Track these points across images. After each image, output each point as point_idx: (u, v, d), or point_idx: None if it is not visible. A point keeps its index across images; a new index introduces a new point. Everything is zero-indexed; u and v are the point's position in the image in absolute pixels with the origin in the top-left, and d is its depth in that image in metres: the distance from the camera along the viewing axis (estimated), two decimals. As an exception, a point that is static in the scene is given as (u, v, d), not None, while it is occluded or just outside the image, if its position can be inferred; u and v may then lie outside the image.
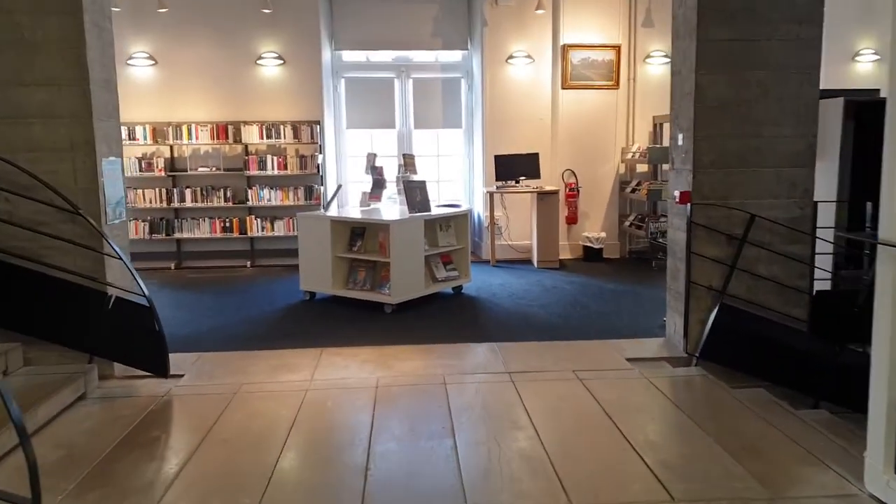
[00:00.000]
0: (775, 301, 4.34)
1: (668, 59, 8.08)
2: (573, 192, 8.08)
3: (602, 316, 5.57)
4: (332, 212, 6.38)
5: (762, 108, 4.23)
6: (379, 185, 6.40)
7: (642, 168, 8.32)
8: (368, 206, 6.44)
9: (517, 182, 7.85)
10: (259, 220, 8.11)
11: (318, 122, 8.06)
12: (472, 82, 8.60)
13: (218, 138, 7.93)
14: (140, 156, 7.98)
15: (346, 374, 4.21)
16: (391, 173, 6.98)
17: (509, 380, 4.05)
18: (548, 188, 7.67)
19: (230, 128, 7.94)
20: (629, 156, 8.09)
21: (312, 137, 7.98)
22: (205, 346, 4.89)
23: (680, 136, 4.51)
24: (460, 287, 6.47)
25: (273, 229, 8.10)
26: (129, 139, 7.81)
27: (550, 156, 8.18)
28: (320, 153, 8.13)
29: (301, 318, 5.69)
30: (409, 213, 5.95)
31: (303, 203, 8.07)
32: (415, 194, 6.00)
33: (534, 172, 7.83)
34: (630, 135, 8.25)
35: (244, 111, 8.11)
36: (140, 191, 7.93)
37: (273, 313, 5.84)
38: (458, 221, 6.45)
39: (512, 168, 7.84)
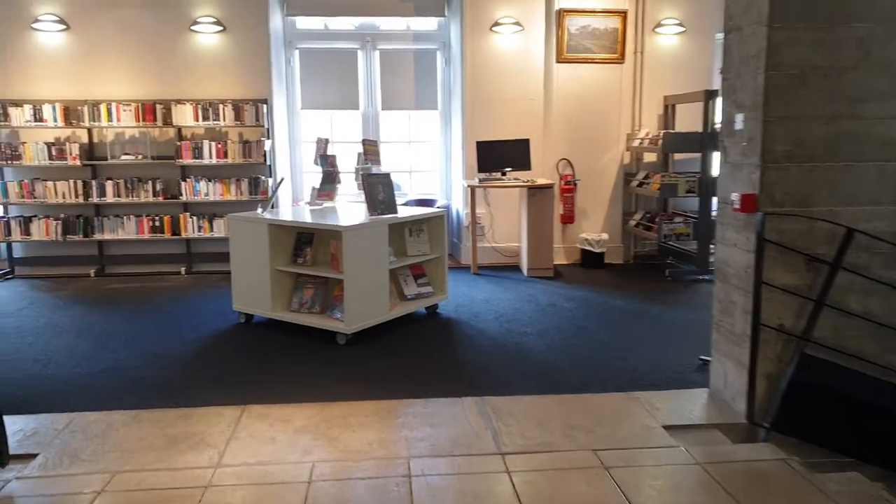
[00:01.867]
0: (870, 346, 3.14)
1: (683, 28, 6.83)
2: (569, 186, 6.83)
3: (616, 350, 4.34)
4: (273, 213, 5.06)
5: (862, 76, 3.00)
6: (330, 178, 5.08)
7: (650, 157, 7.10)
8: (320, 205, 5.13)
9: (503, 174, 6.58)
10: (195, 218, 6.75)
11: (265, 102, 6.70)
12: (449, 55, 7.29)
13: (144, 120, 6.54)
14: (51, 141, 6.57)
15: (270, 455, 2.94)
16: (351, 164, 5.66)
17: (503, 467, 2.81)
18: (540, 181, 6.41)
19: (159, 108, 6.55)
20: (636, 143, 6.85)
21: (258, 119, 6.63)
22: (90, 399, 3.60)
23: (739, 118, 3.27)
24: (435, 306, 5.20)
25: (212, 229, 6.76)
26: (36, 121, 6.40)
27: (542, 143, 6.92)
28: (268, 138, 6.78)
29: (228, 352, 4.39)
30: (370, 214, 4.66)
31: (247, 198, 6.73)
32: (376, 191, 4.70)
33: (523, 163, 6.57)
34: (637, 118, 7.01)
35: (176, 88, 6.72)
36: (50, 183, 6.53)
37: (195, 344, 4.53)
38: (432, 224, 5.17)
39: (497, 157, 6.56)
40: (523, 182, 6.38)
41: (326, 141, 5.18)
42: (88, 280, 6.57)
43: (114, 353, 4.37)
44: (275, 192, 4.94)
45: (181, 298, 5.80)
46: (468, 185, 6.46)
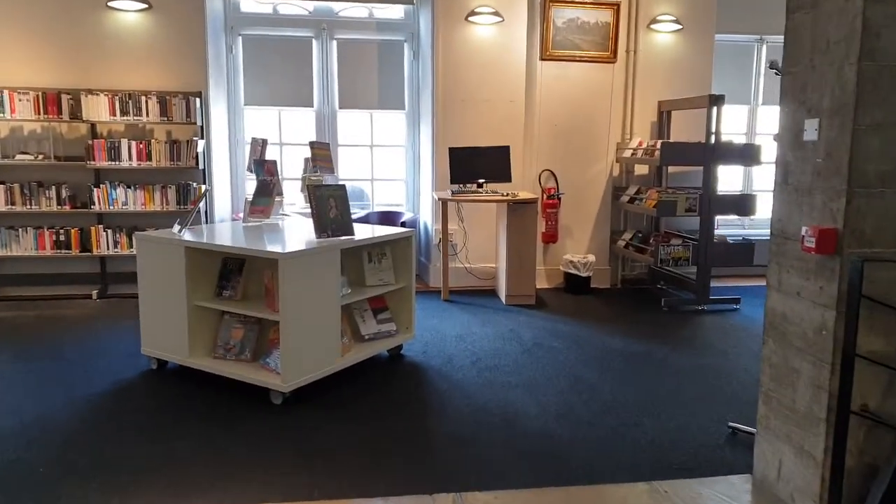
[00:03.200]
0: None
1: (680, 26, 6.05)
2: (553, 201, 5.97)
3: (625, 412, 3.46)
4: (193, 232, 4.04)
5: None
6: (266, 189, 4.08)
7: (641, 170, 6.29)
8: (258, 223, 4.14)
9: (480, 186, 5.68)
10: (110, 231, 5.66)
11: (198, 95, 5.66)
12: (418, 48, 6.37)
13: (46, 113, 5.42)
14: (-72, 135, 5.41)
15: None
16: (296, 171, 4.68)
17: None
18: (522, 195, 5.53)
19: (65, 98, 5.44)
20: (626, 153, 6.04)
21: (190, 116, 5.58)
22: None
23: (811, 126, 2.42)
24: (399, 347, 4.25)
25: (131, 245, 5.67)
26: None
27: (523, 151, 6.05)
28: (201, 138, 5.74)
29: (125, 417, 3.35)
30: (318, 236, 3.69)
31: (174, 209, 5.67)
32: (326, 207, 3.73)
33: (502, 173, 5.68)
34: (628, 125, 6.20)
35: (87, 76, 5.62)
36: (-74, 186, 5.36)
37: (84, 404, 3.48)
38: (398, 247, 4.23)
39: (473, 166, 5.66)
40: (503, 195, 5.48)
41: (263, 143, 4.19)
42: (-25, 305, 5.41)
43: (-28, 416, 3.30)
44: (196, 206, 3.92)
45: (85, 333, 4.71)
46: (439, 198, 5.53)
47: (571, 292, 5.95)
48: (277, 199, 4.00)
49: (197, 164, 5.62)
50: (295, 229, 4.09)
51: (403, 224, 5.97)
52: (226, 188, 6.25)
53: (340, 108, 6.44)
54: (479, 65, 5.91)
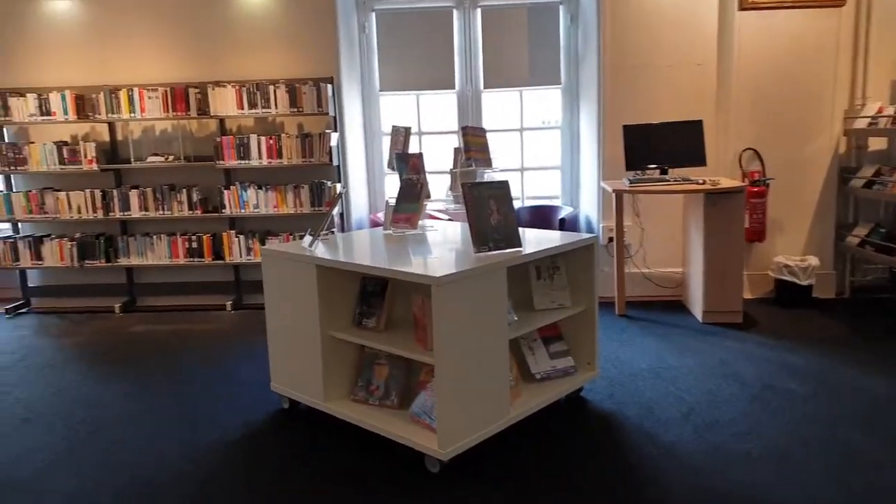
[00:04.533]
0: None
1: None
2: (759, 188, 4.73)
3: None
4: (328, 244, 3.31)
5: None
6: (412, 192, 3.23)
7: (877, 145, 4.86)
8: (402, 233, 3.34)
9: (664, 172, 4.58)
10: (242, 237, 5.16)
11: (329, 81, 5.01)
12: (577, 10, 5.33)
13: (174, 109, 4.99)
14: (62, 140, 5.15)
15: None
16: (446, 164, 3.84)
17: None
18: (725, 183, 4.36)
19: (192, 92, 4.98)
20: (859, 124, 4.66)
21: (322, 105, 4.93)
22: None
23: None
24: (579, 389, 3.31)
25: (264, 252, 5.13)
26: (42, 114, 4.98)
27: (716, 127, 4.85)
28: (335, 130, 5.09)
29: (245, 478, 2.68)
30: (476, 250, 2.82)
31: (308, 211, 5.07)
32: (485, 211, 2.85)
33: (693, 155, 4.53)
34: (860, 88, 4.80)
35: (213, 67, 5.13)
36: (63, 194, 5.11)
37: (205, 451, 2.87)
38: (575, 258, 3.27)
39: (654, 148, 4.57)
40: (697, 184, 4.34)
41: (406, 132, 3.37)
42: (112, 318, 5.12)
43: (81, 467, 2.77)
44: (329, 213, 3.18)
45: (215, 354, 4.20)
46: (612, 190, 4.49)
47: (785, 305, 4.69)
48: (425, 203, 3.16)
49: (330, 159, 4.97)
50: (446, 240, 3.25)
51: (562, 222, 4.99)
52: (362, 186, 5.58)
53: (485, 87, 5.56)
54: (657, 22, 4.77)
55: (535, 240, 3.16)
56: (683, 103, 4.81)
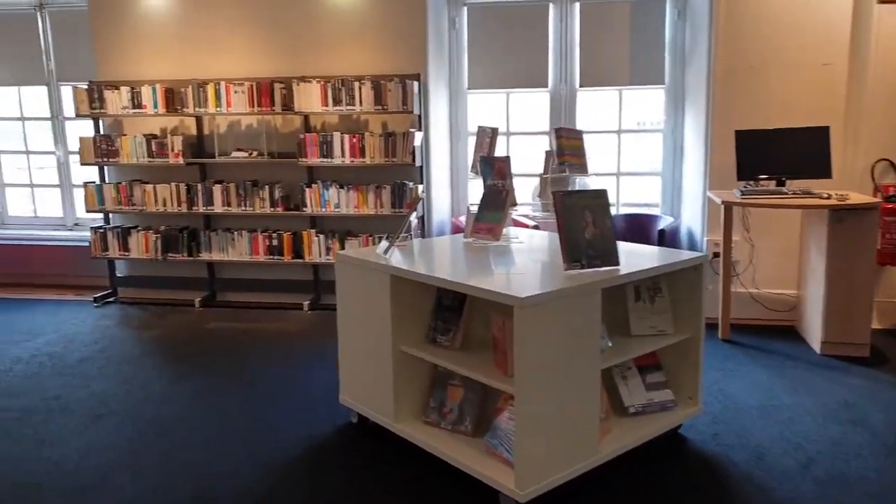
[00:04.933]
0: None
1: None
2: (893, 205, 4.15)
3: None
4: (404, 253, 3.08)
5: None
6: (497, 199, 2.93)
7: None
8: (484, 245, 3.06)
9: (780, 183, 4.09)
10: (322, 237, 5.04)
11: (416, 77, 4.80)
12: (686, 5, 4.89)
13: (259, 105, 4.92)
14: (151, 133, 5.20)
15: None
16: (532, 168, 3.53)
17: None
18: (854, 198, 3.83)
19: (278, 88, 4.90)
20: None
21: (406, 103, 4.73)
22: None
23: None
24: (678, 426, 2.92)
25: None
26: (134, 107, 5.03)
27: (843, 134, 4.30)
28: (419, 129, 4.88)
29: (302, 495, 2.48)
30: (567, 267, 2.50)
31: (388, 213, 4.89)
32: (579, 223, 2.53)
33: (816, 166, 4.02)
34: None
35: (299, 62, 5.03)
36: (151, 187, 5.16)
37: (264, 466, 2.70)
38: (679, 279, 2.89)
39: (770, 157, 4.08)
40: (822, 198, 3.83)
41: (493, 133, 3.09)
42: (191, 312, 5.12)
43: (143, 471, 2.66)
44: (406, 219, 2.95)
45: (288, 357, 4.07)
46: (722, 201, 4.04)
47: (918, 338, 4.10)
48: (510, 211, 2.86)
49: (414, 160, 4.76)
50: (533, 254, 2.95)
51: (662, 233, 4.57)
52: (445, 188, 5.35)
53: (581, 86, 5.20)
54: (778, 16, 4.28)
55: (634, 256, 2.81)
56: (806, 108, 4.30)
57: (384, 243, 2.96)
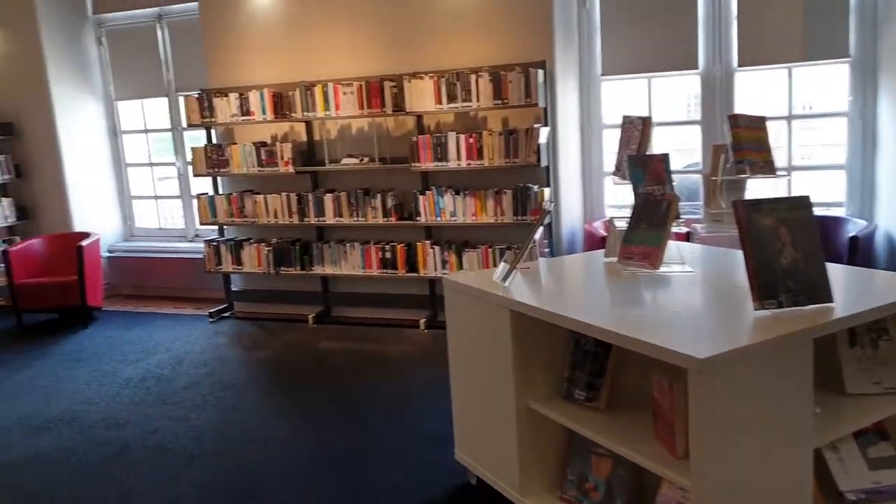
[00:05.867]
0: None
1: None
2: None
3: None
4: (530, 284, 2.49)
5: None
6: (655, 213, 2.21)
7: None
8: (634, 274, 2.37)
9: None
10: (438, 248, 4.55)
11: (541, 65, 4.19)
12: (883, -48, 3.90)
13: (369, 106, 4.51)
14: (264, 141, 4.95)
15: None
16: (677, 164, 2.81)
17: None
18: None
19: (388, 87, 4.46)
20: None
21: (529, 95, 4.13)
22: None
23: None
24: (910, 519, 2.11)
25: (461, 266, 4.48)
26: (243, 114, 4.80)
27: None
28: (544, 124, 4.26)
29: None
30: (758, 306, 1.79)
31: (510, 221, 4.31)
32: (771, 245, 1.82)
33: None
34: None
35: (409, 56, 4.57)
36: (261, 197, 4.91)
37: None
38: (909, 317, 2.08)
39: None
40: None
41: (644, 125, 2.41)
42: (304, 329, 4.81)
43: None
44: (536, 226, 2.36)
45: (405, 385, 3.62)
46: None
47: None
48: (672, 230, 2.15)
49: (538, 159, 4.15)
50: (706, 285, 2.25)
51: (854, 242, 3.64)
52: (576, 190, 4.69)
53: (739, 66, 4.34)
54: None
55: (847, 286, 2.04)
56: None
57: (503, 266, 2.38)
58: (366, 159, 4.66)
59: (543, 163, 4.20)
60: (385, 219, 4.62)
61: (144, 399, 3.67)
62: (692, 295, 2.09)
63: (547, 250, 4.36)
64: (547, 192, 4.27)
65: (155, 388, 3.83)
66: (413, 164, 4.45)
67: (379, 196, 4.62)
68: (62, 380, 4.02)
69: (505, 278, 2.32)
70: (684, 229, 3.79)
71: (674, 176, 2.26)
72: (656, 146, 4.49)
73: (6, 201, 5.67)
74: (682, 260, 2.23)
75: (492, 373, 2.32)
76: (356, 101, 4.51)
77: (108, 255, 5.98)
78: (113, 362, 4.27)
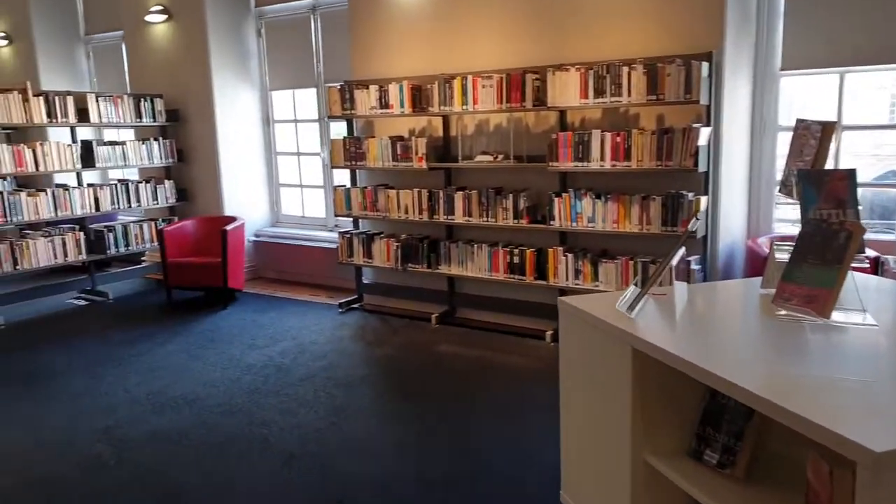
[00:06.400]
0: None
1: None
2: None
3: None
4: (661, 317, 2.08)
5: None
6: (823, 244, 1.69)
7: None
8: (795, 318, 1.88)
9: None
10: (571, 255, 4.17)
11: (707, 58, 3.66)
12: None
13: (508, 101, 4.23)
14: (401, 135, 4.84)
15: None
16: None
17: None
18: None
19: (529, 80, 4.14)
20: None
21: (690, 91, 3.63)
22: None
23: None
24: None
25: (596, 278, 4.08)
26: (381, 106, 4.72)
27: None
28: (706, 124, 3.73)
29: None
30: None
31: (657, 231, 3.84)
32: None
33: None
34: None
35: (555, 47, 4.21)
36: (394, 192, 4.81)
37: None
38: None
39: None
40: None
41: (824, 132, 1.90)
42: (426, 329, 4.66)
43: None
44: (682, 236, 1.96)
45: (522, 403, 3.33)
46: None
47: None
48: (855, 263, 1.63)
49: (696, 163, 3.64)
50: (882, 343, 1.73)
51: None
52: (740, 200, 4.09)
53: (964, 58, 3.51)
54: None
55: None
56: None
57: (631, 290, 2.01)
58: (500, 157, 4.39)
59: (702, 167, 3.68)
60: (516, 220, 4.32)
61: (260, 388, 3.68)
62: (874, 357, 1.60)
63: (697, 268, 3.83)
64: (703, 200, 3.74)
65: (273, 377, 3.84)
66: (551, 164, 4.10)
67: (511, 196, 4.32)
68: (193, 358, 4.17)
69: (631, 307, 1.94)
70: (872, 254, 3.13)
71: (864, 189, 1.75)
72: (846, 156, 3.80)
73: (168, 183, 6.07)
74: (862, 307, 1.72)
75: (607, 415, 1.96)
76: (495, 94, 4.24)
77: (254, 239, 6.23)
78: (241, 346, 4.37)
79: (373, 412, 3.34)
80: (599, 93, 3.90)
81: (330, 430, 3.14)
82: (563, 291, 4.33)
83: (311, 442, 3.02)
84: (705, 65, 3.63)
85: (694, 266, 3.80)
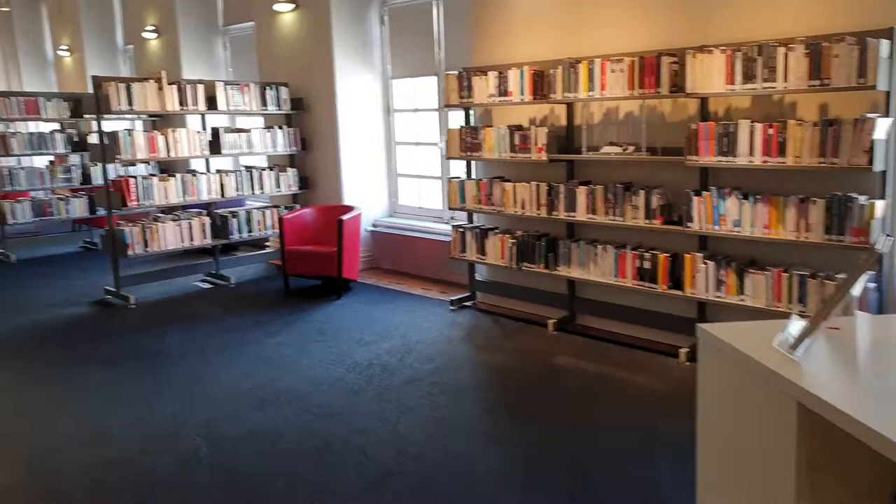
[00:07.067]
0: None
1: None
2: None
3: None
4: (835, 361, 1.64)
5: None
6: None
7: None
8: None
9: None
10: (713, 263, 3.68)
11: (887, 35, 3.05)
12: None
13: (641, 86, 3.78)
14: (520, 125, 4.52)
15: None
16: None
17: None
18: None
19: (666, 63, 3.67)
20: None
21: (864, 75, 3.03)
22: None
23: None
24: None
25: (741, 291, 3.57)
26: (500, 94, 4.42)
27: None
28: (884, 114, 3.11)
29: None
30: None
31: (818, 240, 3.27)
32: None
33: None
34: None
35: (697, 26, 3.71)
36: (510, 185, 4.51)
37: None
38: None
39: None
40: None
41: None
42: (542, 335, 4.34)
43: None
44: (847, 287, 1.52)
45: (648, 430, 2.97)
46: None
47: None
48: None
49: (870, 161, 3.04)
50: None
51: None
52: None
53: None
54: None
55: None
56: None
57: (795, 324, 1.60)
58: (630, 149, 3.96)
59: (878, 166, 3.08)
60: (648, 220, 3.88)
61: (364, 389, 3.54)
62: None
63: (872, 286, 3.22)
64: (879, 206, 3.13)
65: (377, 377, 3.69)
66: (689, 158, 3.63)
67: (642, 193, 3.89)
68: (301, 352, 4.11)
69: (796, 345, 1.53)
70: None
71: None
72: None
73: (291, 171, 6.13)
74: None
75: (758, 477, 1.57)
76: (626, 80, 3.81)
77: (371, 228, 6.17)
78: (349, 341, 4.27)
79: (478, 429, 3.09)
80: (749, 78, 3.37)
81: (431, 446, 2.92)
82: (702, 304, 3.85)
83: (409, 458, 2.82)
84: (885, 43, 3.02)
85: (869, 284, 3.20)
